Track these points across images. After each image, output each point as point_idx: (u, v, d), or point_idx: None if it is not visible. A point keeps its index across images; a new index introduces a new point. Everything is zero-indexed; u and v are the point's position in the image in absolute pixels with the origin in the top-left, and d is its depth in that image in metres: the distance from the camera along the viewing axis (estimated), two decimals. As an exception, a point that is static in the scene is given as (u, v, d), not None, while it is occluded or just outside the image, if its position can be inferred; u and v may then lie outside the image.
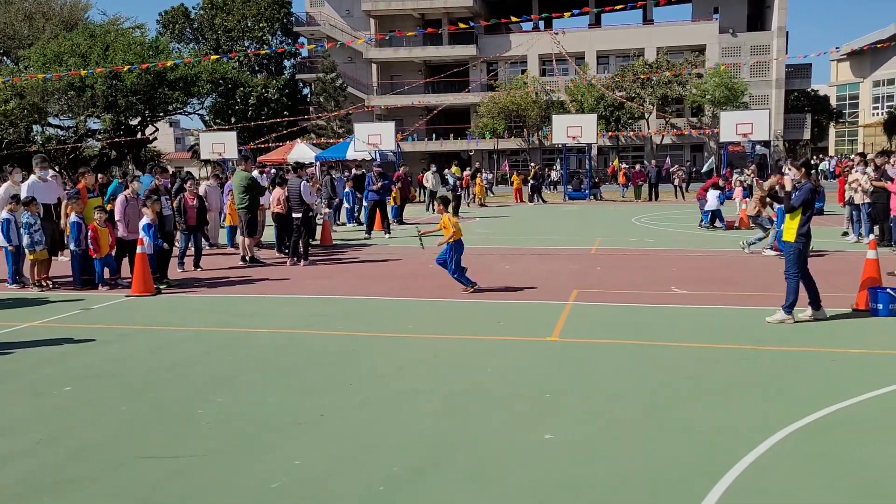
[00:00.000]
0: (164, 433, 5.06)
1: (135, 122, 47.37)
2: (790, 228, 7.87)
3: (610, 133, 49.50)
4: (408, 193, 23.62)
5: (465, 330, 8.04)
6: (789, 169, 8.20)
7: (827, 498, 3.93)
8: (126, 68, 34.75)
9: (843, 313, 8.36)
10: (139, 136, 48.35)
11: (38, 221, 10.93)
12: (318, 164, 33.67)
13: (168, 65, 37.52)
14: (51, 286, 11.09)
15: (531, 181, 33.37)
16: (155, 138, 52.12)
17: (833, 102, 66.42)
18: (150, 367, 6.74)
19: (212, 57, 39.79)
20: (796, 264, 7.84)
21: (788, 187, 8.02)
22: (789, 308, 7.87)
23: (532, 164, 35.86)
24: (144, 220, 10.95)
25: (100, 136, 46.37)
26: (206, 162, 40.73)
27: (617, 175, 37.74)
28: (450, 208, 11.04)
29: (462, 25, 31.35)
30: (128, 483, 4.28)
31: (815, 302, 8.04)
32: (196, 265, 12.86)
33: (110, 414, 5.49)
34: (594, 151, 42.97)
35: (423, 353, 7.06)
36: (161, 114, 49.04)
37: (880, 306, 8.14)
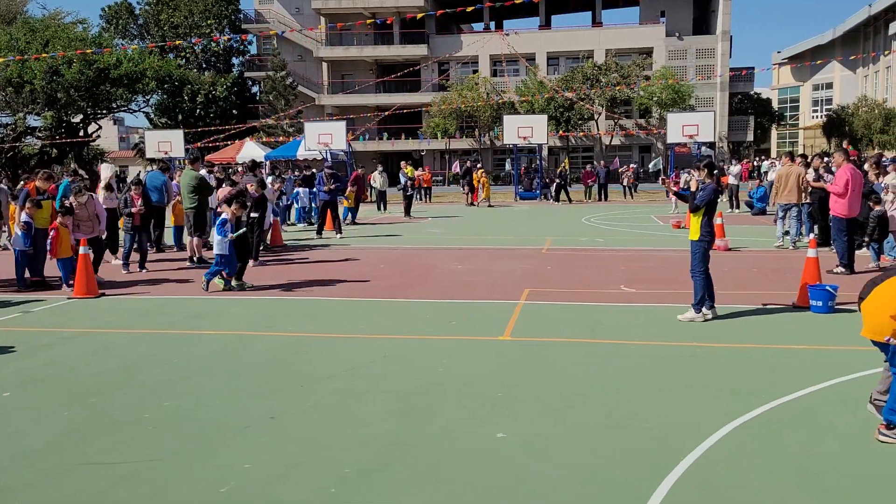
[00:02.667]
0: (108, 439, 4.93)
1: (77, 119, 46.08)
2: (695, 228, 8.09)
3: (560, 133, 50.07)
4: (362, 194, 23.43)
5: (416, 330, 8.03)
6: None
7: (770, 489, 4.04)
8: (74, 67, 33.76)
9: (785, 310, 8.60)
10: (81, 134, 47.04)
11: None
12: (268, 163, 33.27)
13: (111, 62, 36.62)
14: None
15: (556, 180, 31.99)
16: (98, 136, 50.79)
17: (775, 105, 68.24)
18: (93, 370, 6.56)
19: (171, 61, 38.93)
20: (702, 263, 8.05)
21: (693, 188, 8.24)
22: (698, 305, 8.10)
23: (563, 163, 34.90)
24: (223, 216, 10.50)
25: (40, 134, 44.99)
26: (152, 161, 39.88)
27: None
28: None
29: (419, 31, 31.16)
30: (71, 490, 4.16)
31: (711, 300, 8.21)
32: (141, 266, 12.58)
33: (51, 420, 5.32)
34: (545, 152, 43.37)
35: (374, 354, 7.02)
36: (104, 111, 47.80)
37: (819, 303, 8.39)
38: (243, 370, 6.52)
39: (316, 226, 18.62)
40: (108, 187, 13.07)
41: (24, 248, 10.71)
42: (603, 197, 32.14)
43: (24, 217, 10.76)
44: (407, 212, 24.89)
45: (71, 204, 11.06)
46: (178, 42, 50.79)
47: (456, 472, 4.32)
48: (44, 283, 10.97)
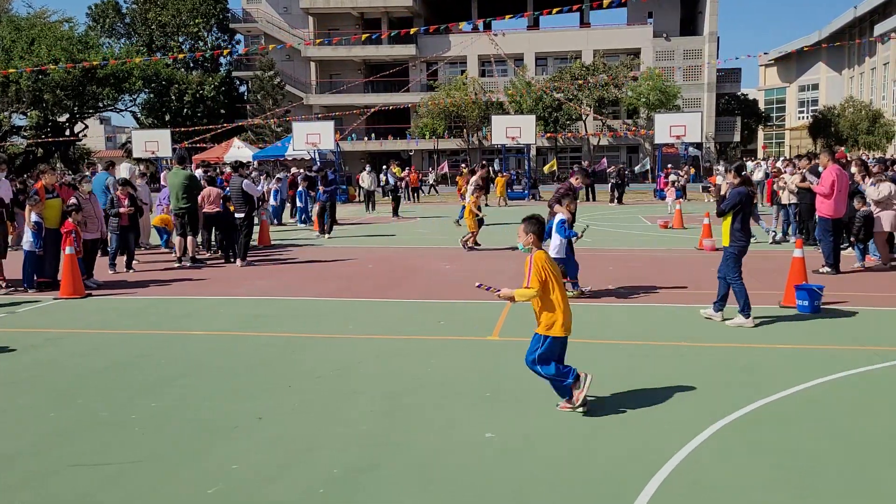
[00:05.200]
0: (94, 440, 4.90)
1: (63, 118, 45.76)
2: (725, 232, 7.94)
3: (548, 134, 50.16)
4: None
5: (404, 330, 8.02)
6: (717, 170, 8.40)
7: (757, 487, 4.06)
8: (58, 68, 33.57)
9: (771, 310, 8.64)
10: (67, 133, 46.72)
11: None
12: (254, 163, 33.17)
13: (96, 63, 36.41)
14: (3, 287, 10.67)
15: (613, 180, 30.75)
16: (84, 136, 50.47)
17: (761, 106, 68.61)
18: (79, 371, 6.52)
19: (156, 59, 38.77)
20: (735, 268, 7.84)
21: (724, 191, 8.05)
22: (745, 310, 7.83)
23: (621, 164, 33.81)
24: (559, 217, 9.54)
25: (25, 133, 44.65)
26: (138, 160, 39.69)
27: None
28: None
29: (407, 31, 31.03)
30: (57, 492, 4.13)
31: (722, 302, 8.08)
32: (128, 267, 12.50)
33: (38, 421, 5.29)
34: (533, 152, 43.44)
35: (362, 354, 7.01)
36: (91, 111, 47.50)
37: (805, 303, 8.45)
38: (231, 371, 6.50)
39: (318, 224, 18.47)
40: (142, 175, 13.02)
41: (34, 249, 10.53)
42: (590, 197, 32.19)
43: (34, 217, 10.55)
44: (395, 212, 24.90)
45: (78, 200, 10.98)
46: (182, 55, 50.55)
47: (444, 472, 4.32)
48: (54, 284, 10.70)
